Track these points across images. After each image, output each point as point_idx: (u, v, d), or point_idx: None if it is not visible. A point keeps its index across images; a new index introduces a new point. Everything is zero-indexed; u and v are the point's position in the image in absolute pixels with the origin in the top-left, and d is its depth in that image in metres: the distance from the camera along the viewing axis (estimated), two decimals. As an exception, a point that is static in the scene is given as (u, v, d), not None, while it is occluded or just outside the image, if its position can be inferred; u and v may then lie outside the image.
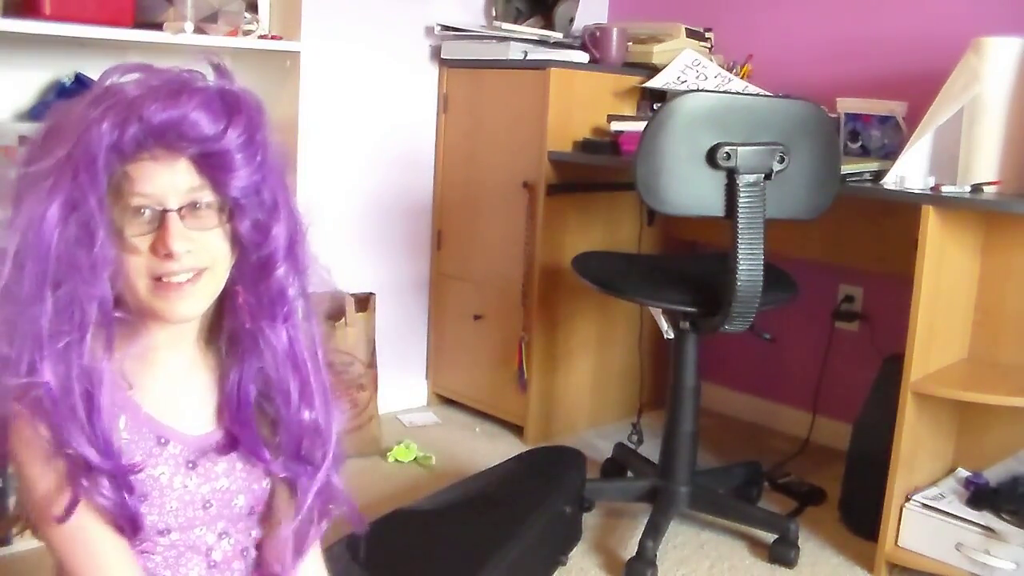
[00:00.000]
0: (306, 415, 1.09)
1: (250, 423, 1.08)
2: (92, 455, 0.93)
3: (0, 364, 0.93)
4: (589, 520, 2.33)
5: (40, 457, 0.94)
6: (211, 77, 1.01)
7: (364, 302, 2.70)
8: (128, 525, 0.98)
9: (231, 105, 0.97)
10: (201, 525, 1.07)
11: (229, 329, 1.08)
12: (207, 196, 0.98)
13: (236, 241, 1.02)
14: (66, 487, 0.94)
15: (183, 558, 1.06)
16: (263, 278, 1.04)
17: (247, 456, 1.09)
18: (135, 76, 0.97)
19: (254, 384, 1.08)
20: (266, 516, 1.14)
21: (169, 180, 0.95)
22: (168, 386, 1.05)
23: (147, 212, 0.95)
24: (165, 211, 0.95)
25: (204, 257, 0.99)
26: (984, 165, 2.06)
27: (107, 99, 0.94)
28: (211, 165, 0.97)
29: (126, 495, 0.97)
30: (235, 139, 0.96)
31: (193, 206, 0.97)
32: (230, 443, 1.08)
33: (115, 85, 0.96)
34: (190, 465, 1.05)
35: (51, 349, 0.92)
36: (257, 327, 1.06)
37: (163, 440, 1.04)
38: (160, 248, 0.95)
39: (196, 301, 1.00)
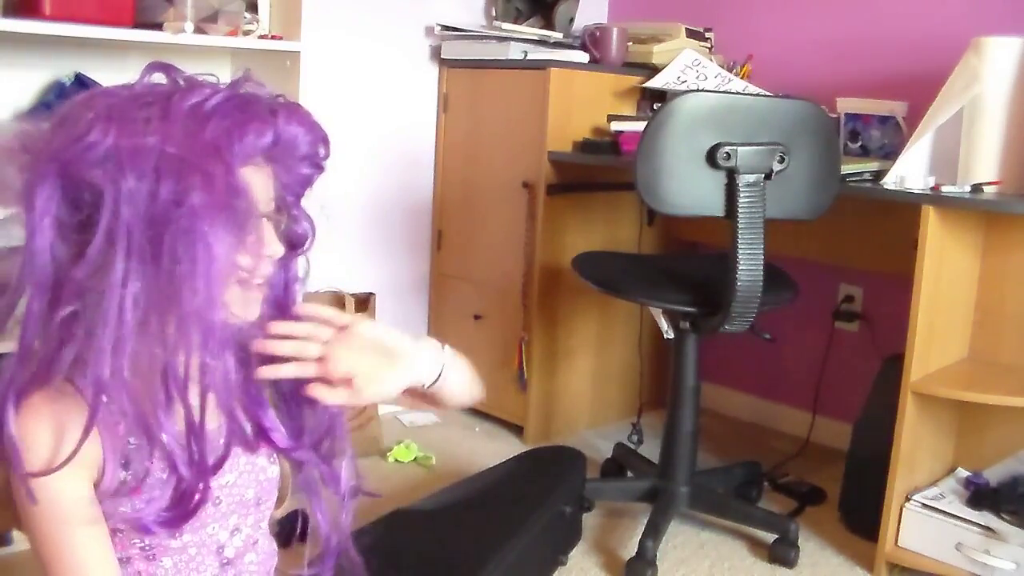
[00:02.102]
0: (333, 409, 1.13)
1: (265, 410, 1.10)
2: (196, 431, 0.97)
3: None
4: (589, 520, 2.33)
5: (82, 460, 0.93)
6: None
7: (364, 302, 2.70)
8: (198, 500, 0.99)
9: (324, 135, 1.06)
10: (213, 523, 1.06)
11: None
12: (274, 205, 1.03)
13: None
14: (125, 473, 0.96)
15: (194, 562, 1.05)
16: (286, 286, 1.10)
17: (257, 449, 1.10)
18: (174, 78, 0.98)
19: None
20: (278, 501, 1.15)
21: (263, 187, 0.99)
22: None
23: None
24: (261, 215, 0.99)
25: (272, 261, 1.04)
26: (984, 165, 2.06)
27: (220, 101, 0.92)
28: (287, 179, 1.03)
29: (210, 476, 1.00)
30: (324, 160, 1.07)
31: (271, 213, 1.02)
32: (257, 438, 1.09)
33: (200, 88, 0.94)
34: None
35: (224, 334, 0.95)
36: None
37: None
38: (262, 250, 0.99)
39: (260, 303, 1.04)
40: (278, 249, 1.01)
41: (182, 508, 0.99)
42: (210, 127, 0.90)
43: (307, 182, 1.07)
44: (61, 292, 0.90)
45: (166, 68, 0.98)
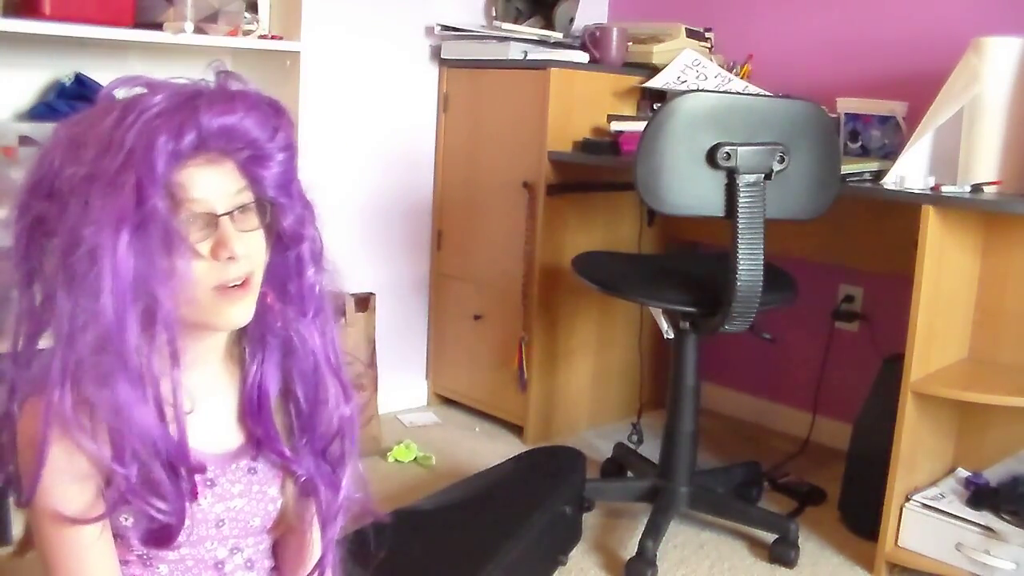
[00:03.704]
0: (347, 411, 1.10)
1: (272, 424, 1.07)
2: (165, 462, 0.94)
3: (96, 380, 0.91)
4: (589, 520, 2.33)
5: (75, 475, 0.93)
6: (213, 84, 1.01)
7: (364, 302, 2.70)
8: (177, 528, 0.98)
9: (277, 109, 1.00)
10: (211, 541, 1.06)
11: (252, 333, 1.07)
12: (249, 197, 0.99)
13: (270, 241, 1.03)
14: (102, 502, 0.94)
15: (190, 573, 1.05)
16: (297, 276, 1.05)
17: (266, 466, 1.08)
18: (142, 89, 0.96)
19: (276, 383, 1.08)
20: (277, 525, 1.13)
21: (219, 184, 0.96)
22: (190, 404, 1.03)
23: (200, 217, 0.95)
24: (219, 215, 0.95)
25: (254, 258, 1.00)
26: (984, 165, 2.06)
27: (145, 108, 0.92)
28: (256, 166, 0.98)
29: (187, 502, 0.98)
30: (282, 142, 0.99)
31: (241, 208, 0.98)
32: (253, 447, 1.07)
33: (145, 96, 0.94)
34: (208, 483, 1.04)
35: (132, 365, 0.91)
36: (289, 326, 1.06)
37: None
38: (222, 252, 0.95)
39: (249, 305, 1.00)
40: (242, 249, 0.96)
41: (159, 532, 0.98)
42: (128, 139, 0.90)
43: (285, 169, 1.01)
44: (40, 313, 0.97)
45: (128, 82, 0.97)
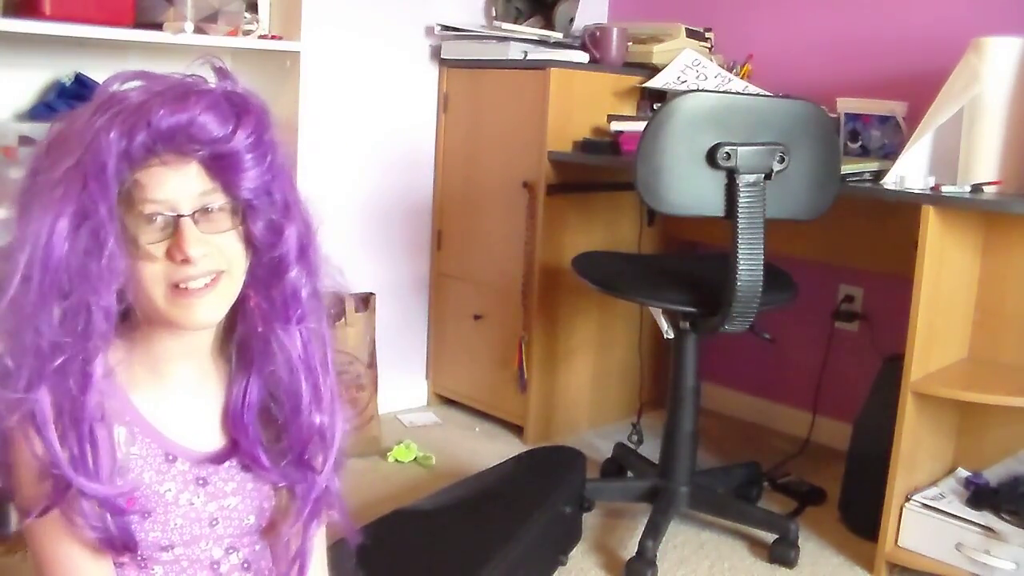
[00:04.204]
0: (317, 419, 1.08)
1: (251, 429, 1.07)
2: (77, 477, 0.92)
3: (2, 378, 0.91)
4: (589, 520, 2.33)
5: (32, 472, 0.93)
6: (212, 80, 1.00)
7: (364, 302, 2.71)
8: (115, 546, 0.97)
9: (239, 106, 0.97)
10: (205, 541, 1.06)
11: (241, 336, 1.07)
12: (219, 199, 0.97)
13: (249, 243, 1.01)
14: (50, 502, 0.93)
15: (185, 573, 1.05)
16: (276, 280, 1.03)
17: (253, 469, 1.08)
18: (136, 83, 0.95)
19: (260, 389, 1.07)
20: (269, 528, 1.13)
21: (180, 185, 0.94)
22: (178, 400, 1.04)
23: (160, 218, 0.94)
24: (179, 216, 0.94)
25: (220, 260, 0.97)
26: (984, 165, 2.06)
27: (112, 106, 0.92)
28: (222, 167, 0.96)
29: (112, 517, 0.96)
30: (244, 140, 0.96)
31: (205, 210, 0.96)
32: (233, 452, 1.07)
33: (119, 92, 0.94)
34: (200, 482, 1.04)
35: (51, 364, 0.90)
36: (270, 330, 1.04)
37: (171, 456, 1.02)
38: (176, 254, 0.94)
39: (215, 307, 0.99)
40: (201, 251, 0.95)
41: (117, 539, 0.97)
42: (87, 136, 0.91)
43: (261, 170, 0.98)
44: None
45: (126, 77, 0.97)
